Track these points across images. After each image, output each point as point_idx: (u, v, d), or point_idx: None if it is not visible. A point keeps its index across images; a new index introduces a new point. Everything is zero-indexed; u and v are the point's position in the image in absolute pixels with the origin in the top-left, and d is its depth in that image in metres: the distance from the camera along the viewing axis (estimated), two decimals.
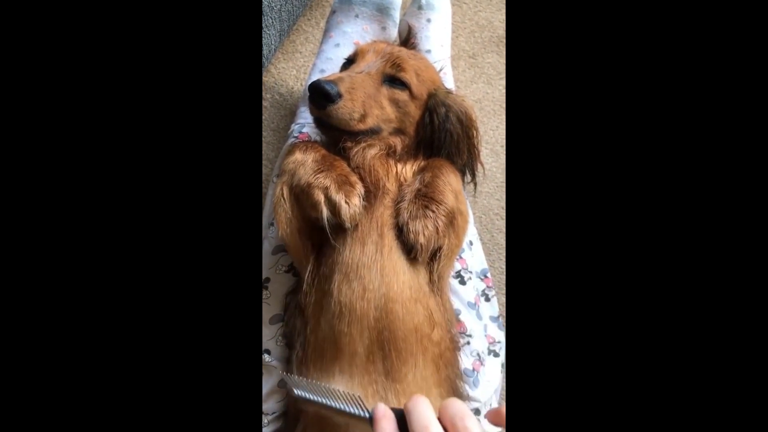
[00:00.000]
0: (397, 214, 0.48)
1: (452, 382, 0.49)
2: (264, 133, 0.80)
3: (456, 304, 0.57)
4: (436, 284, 0.49)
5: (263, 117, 0.81)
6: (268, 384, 0.53)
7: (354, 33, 0.71)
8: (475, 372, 0.56)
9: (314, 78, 0.68)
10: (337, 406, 0.29)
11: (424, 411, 0.28)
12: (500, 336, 0.62)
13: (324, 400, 0.29)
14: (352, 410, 0.28)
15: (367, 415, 0.28)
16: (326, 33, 0.74)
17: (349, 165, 0.50)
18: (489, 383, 0.56)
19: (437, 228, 0.47)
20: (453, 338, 0.51)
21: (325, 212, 0.45)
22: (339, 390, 0.30)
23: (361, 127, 0.51)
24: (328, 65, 0.70)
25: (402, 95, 0.53)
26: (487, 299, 0.64)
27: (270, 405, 0.53)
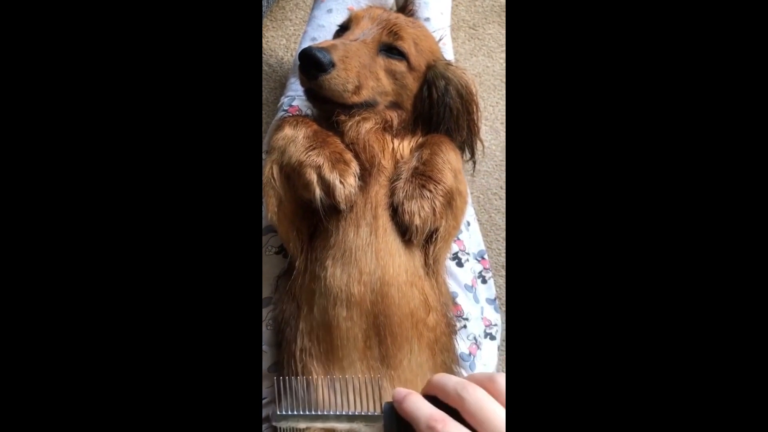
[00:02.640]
0: (392, 193, 0.45)
1: (448, 368, 0.47)
2: None
3: (453, 286, 0.55)
4: (431, 267, 0.47)
5: None
6: None
7: None
8: (472, 356, 0.55)
9: (305, 47, 0.64)
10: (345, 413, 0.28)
11: (422, 405, 0.27)
12: (496, 318, 0.61)
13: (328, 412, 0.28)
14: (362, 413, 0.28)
15: (378, 412, 0.27)
16: None
17: (342, 141, 0.47)
18: (485, 367, 0.56)
19: (434, 209, 0.45)
20: (449, 322, 0.49)
21: (318, 193, 0.42)
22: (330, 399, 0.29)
23: (356, 99, 0.48)
24: (320, 33, 0.65)
25: (399, 66, 0.50)
26: (484, 281, 0.62)
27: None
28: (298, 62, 0.46)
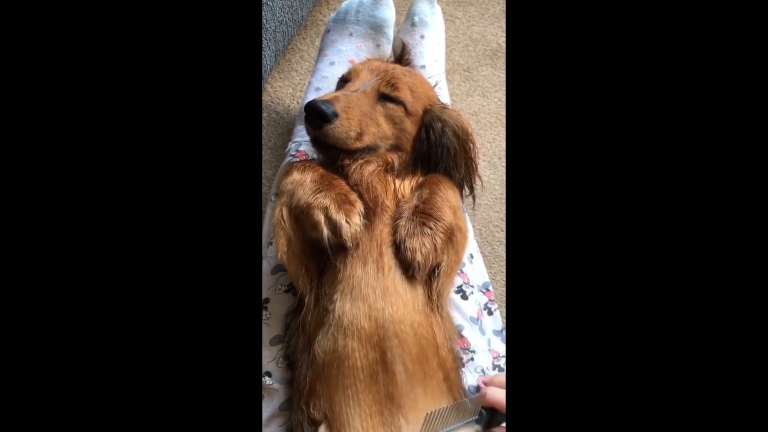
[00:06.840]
0: (394, 231, 0.48)
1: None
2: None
3: (458, 319, 0.57)
4: (435, 302, 0.49)
5: None
6: (269, 408, 0.52)
7: (349, 51, 0.72)
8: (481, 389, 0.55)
9: (310, 96, 0.68)
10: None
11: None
12: (504, 350, 0.61)
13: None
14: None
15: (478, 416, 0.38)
16: (321, 51, 0.75)
17: (347, 183, 0.50)
18: None
19: (435, 245, 0.47)
20: (456, 356, 0.50)
21: (325, 232, 0.45)
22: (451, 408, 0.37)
23: (358, 145, 0.51)
24: (324, 83, 0.70)
25: (397, 112, 0.53)
26: (490, 313, 0.63)
27: (272, 429, 0.52)
28: (304, 113, 0.50)
